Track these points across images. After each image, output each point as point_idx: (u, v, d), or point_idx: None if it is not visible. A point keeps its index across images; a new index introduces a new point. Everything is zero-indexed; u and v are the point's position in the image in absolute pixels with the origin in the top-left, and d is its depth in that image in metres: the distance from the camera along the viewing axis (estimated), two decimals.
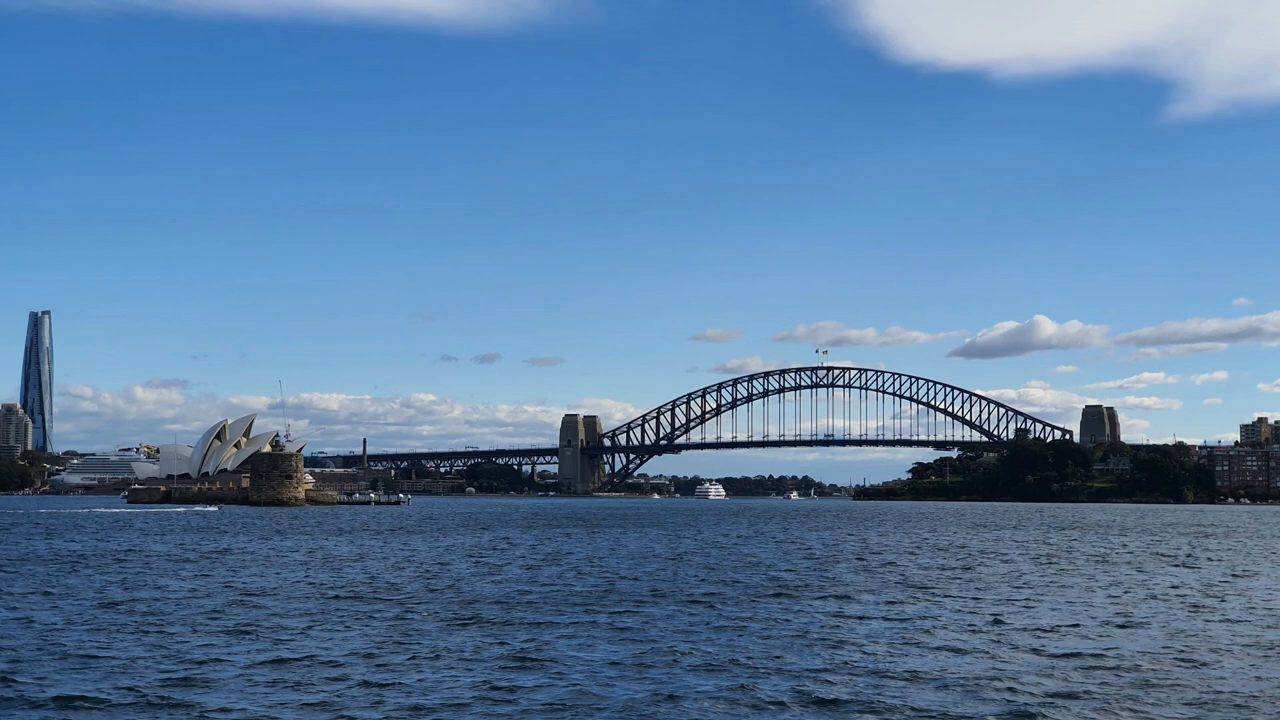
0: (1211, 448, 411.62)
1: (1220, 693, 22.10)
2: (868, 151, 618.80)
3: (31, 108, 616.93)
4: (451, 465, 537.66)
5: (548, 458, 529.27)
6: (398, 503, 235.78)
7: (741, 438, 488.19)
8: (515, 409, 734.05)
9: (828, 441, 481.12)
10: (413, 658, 25.66)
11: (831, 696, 21.32)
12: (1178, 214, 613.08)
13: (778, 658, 26.10)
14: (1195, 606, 39.27)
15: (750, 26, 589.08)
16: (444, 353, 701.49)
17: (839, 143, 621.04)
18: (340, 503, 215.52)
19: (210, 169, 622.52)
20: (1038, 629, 32.08)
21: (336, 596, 39.82)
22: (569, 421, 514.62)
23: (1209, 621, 34.65)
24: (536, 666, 24.54)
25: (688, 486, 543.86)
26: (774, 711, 20.26)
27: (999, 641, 29.30)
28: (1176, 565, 62.82)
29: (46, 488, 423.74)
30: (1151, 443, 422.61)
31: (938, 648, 27.92)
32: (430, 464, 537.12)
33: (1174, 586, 47.80)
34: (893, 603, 39.12)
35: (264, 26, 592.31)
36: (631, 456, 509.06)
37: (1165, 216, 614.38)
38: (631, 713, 19.89)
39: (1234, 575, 55.11)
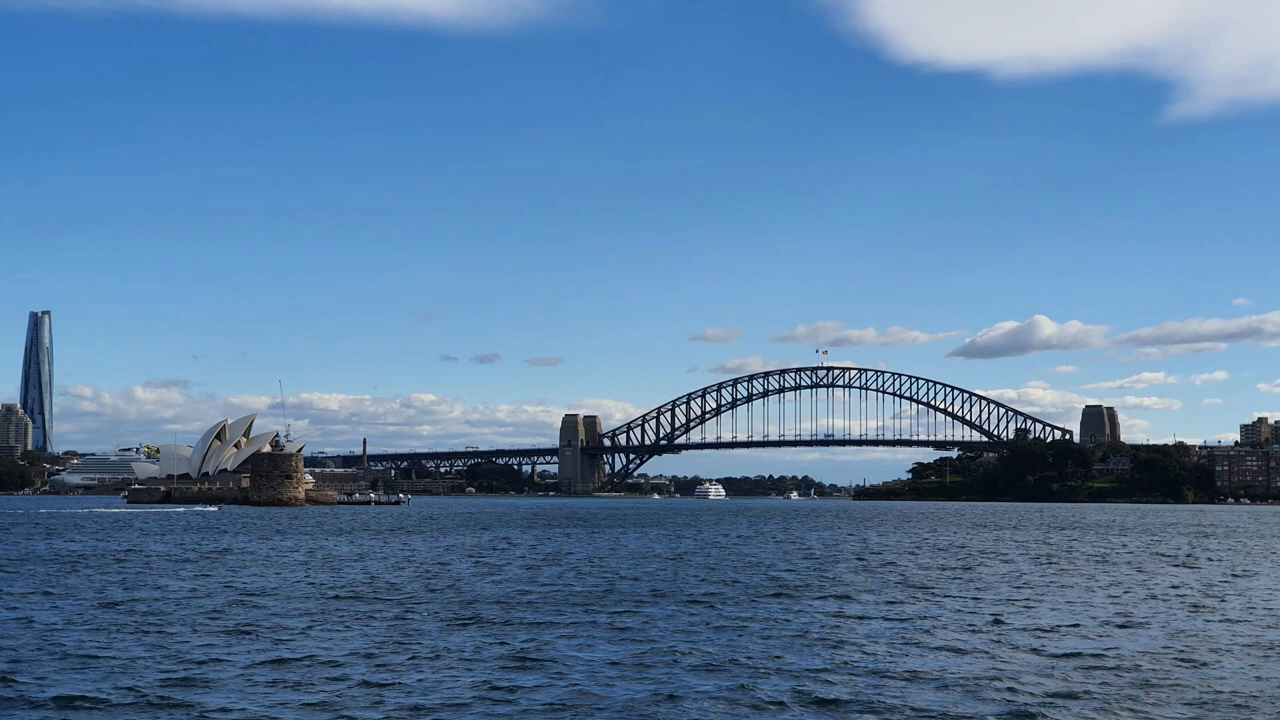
0: (1211, 448, 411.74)
1: (1220, 693, 22.09)
2: (868, 151, 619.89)
3: (31, 108, 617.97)
4: (452, 465, 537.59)
5: (548, 458, 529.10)
6: (398, 503, 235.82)
7: (741, 438, 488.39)
8: (515, 409, 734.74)
9: (828, 441, 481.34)
10: (413, 658, 25.65)
11: (831, 696, 21.30)
12: (1178, 214, 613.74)
13: (778, 658, 26.08)
14: (1195, 606, 39.25)
15: (750, 26, 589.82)
16: (444, 353, 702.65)
17: (839, 143, 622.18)
18: (340, 503, 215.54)
19: (210, 169, 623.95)
20: (1038, 629, 32.07)
21: (336, 596, 39.82)
22: (569, 421, 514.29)
23: (1209, 621, 34.65)
24: (536, 666, 24.53)
25: (688, 486, 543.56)
26: (774, 711, 20.25)
27: (999, 641, 29.28)
28: (1176, 565, 62.80)
29: (46, 488, 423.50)
30: (1151, 443, 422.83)
31: (938, 648, 27.92)
32: (430, 464, 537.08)
33: (1174, 586, 47.78)
34: (893, 603, 39.10)
35: (264, 26, 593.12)
36: (631, 456, 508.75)
37: (1165, 216, 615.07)
38: (631, 713, 19.88)
39: (1234, 575, 55.09)
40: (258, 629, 30.41)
